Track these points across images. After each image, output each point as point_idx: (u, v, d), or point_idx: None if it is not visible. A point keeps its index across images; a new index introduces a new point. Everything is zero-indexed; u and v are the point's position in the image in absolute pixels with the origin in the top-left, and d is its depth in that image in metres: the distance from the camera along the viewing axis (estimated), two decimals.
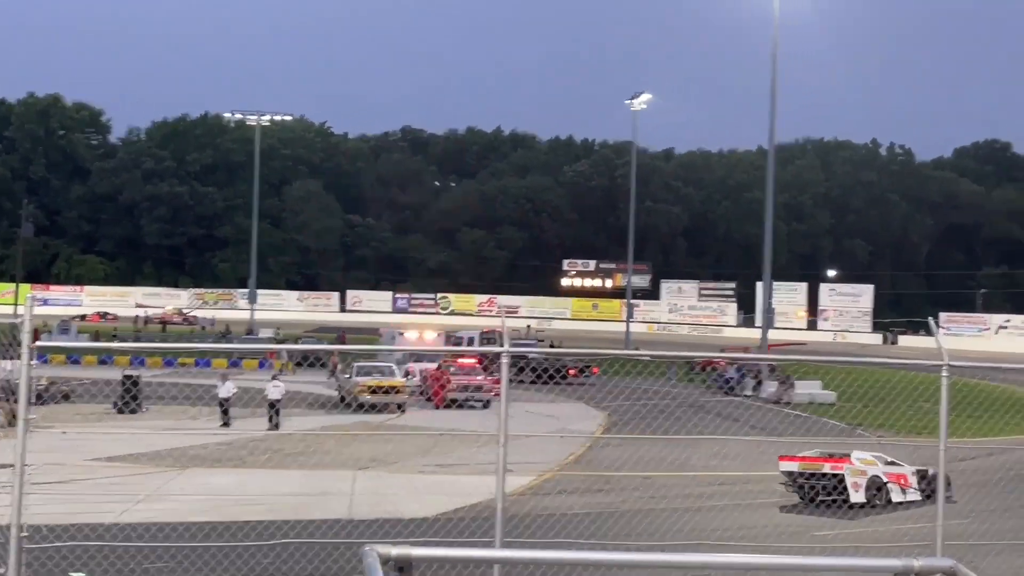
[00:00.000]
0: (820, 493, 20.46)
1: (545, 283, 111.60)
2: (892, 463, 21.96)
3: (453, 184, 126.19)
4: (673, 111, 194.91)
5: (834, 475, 21.02)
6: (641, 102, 77.07)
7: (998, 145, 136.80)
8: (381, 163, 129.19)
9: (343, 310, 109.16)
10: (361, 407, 33.89)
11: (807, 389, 43.02)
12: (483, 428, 26.75)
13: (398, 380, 36.92)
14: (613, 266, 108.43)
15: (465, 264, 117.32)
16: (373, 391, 34.99)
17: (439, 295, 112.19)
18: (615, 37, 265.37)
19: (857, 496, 20.99)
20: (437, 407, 36.99)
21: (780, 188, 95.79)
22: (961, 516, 16.51)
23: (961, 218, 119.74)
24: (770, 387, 44.66)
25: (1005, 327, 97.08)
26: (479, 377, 37.81)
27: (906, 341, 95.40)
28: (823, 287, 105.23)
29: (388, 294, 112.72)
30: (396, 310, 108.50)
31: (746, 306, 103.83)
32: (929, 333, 11.02)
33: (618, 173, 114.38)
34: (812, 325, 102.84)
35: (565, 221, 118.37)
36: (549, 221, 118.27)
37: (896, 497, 21.47)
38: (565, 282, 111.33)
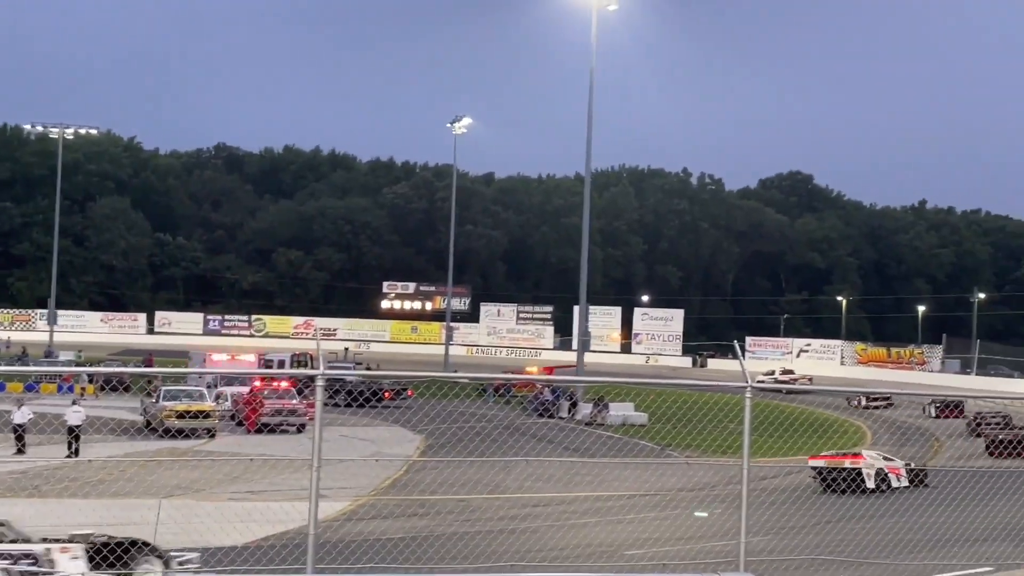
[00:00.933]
0: (842, 483, 24.89)
1: (364, 305, 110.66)
2: (887, 458, 27.70)
3: (269, 204, 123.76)
4: (493, 136, 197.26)
5: (854, 469, 26.25)
6: (462, 126, 77.57)
7: (800, 177, 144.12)
8: (193, 180, 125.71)
9: (151, 332, 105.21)
10: (168, 432, 32.64)
11: (621, 411, 43.93)
12: (296, 453, 26.19)
13: (208, 404, 35.77)
14: (433, 289, 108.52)
15: (281, 285, 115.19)
16: (181, 416, 33.78)
17: (253, 317, 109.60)
18: (437, 61, 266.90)
19: (870, 484, 26.26)
20: (249, 431, 36.03)
21: (596, 214, 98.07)
22: (763, 533, 17.12)
23: (766, 246, 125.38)
24: (585, 409, 45.41)
25: (806, 351, 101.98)
26: (293, 401, 37.05)
27: (714, 364, 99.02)
28: (637, 311, 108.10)
29: (199, 316, 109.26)
30: (207, 332, 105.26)
31: (563, 329, 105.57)
32: (735, 356, 11.35)
33: (438, 196, 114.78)
34: (626, 348, 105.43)
35: (385, 243, 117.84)
36: (369, 243, 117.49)
37: (894, 484, 26.62)
38: (384, 304, 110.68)
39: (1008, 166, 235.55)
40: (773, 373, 76.71)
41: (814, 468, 26.58)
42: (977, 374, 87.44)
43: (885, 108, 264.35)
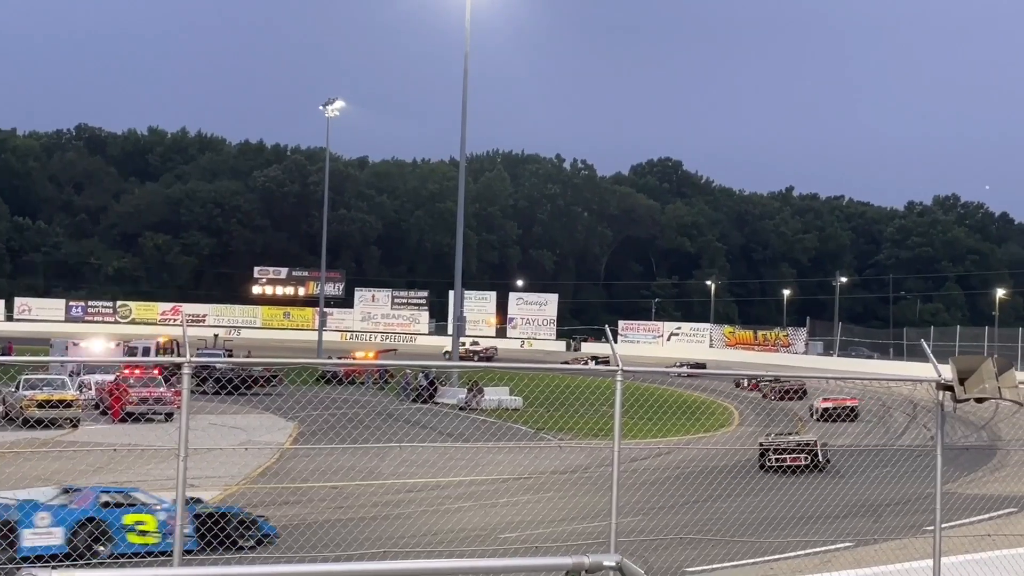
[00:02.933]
0: (841, 418, 35.57)
1: (235, 291, 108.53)
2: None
3: (135, 187, 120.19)
4: (367, 119, 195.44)
5: (852, 407, 38.25)
6: (334, 109, 76.54)
7: (671, 163, 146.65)
8: (54, 162, 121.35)
9: (9, 319, 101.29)
10: (28, 423, 31.45)
11: (496, 395, 44.17)
12: (163, 442, 25.55)
13: (70, 393, 34.65)
14: (306, 274, 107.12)
15: (148, 270, 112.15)
16: (42, 405, 32.62)
17: (118, 303, 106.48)
18: (308, 41, 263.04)
19: (863, 417, 38.25)
20: (114, 420, 35.04)
21: (471, 199, 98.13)
22: (634, 513, 17.41)
23: (637, 231, 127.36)
24: (460, 393, 45.48)
25: (676, 334, 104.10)
26: (160, 389, 36.14)
27: (588, 348, 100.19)
28: (512, 296, 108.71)
29: (61, 302, 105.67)
30: (70, 319, 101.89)
31: (438, 314, 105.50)
32: (608, 340, 11.46)
33: (311, 180, 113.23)
34: (501, 333, 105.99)
35: (256, 227, 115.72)
36: (239, 227, 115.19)
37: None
38: (256, 290, 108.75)
39: (870, 155, 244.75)
40: (465, 344, 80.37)
41: (825, 410, 37.02)
42: (839, 355, 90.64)
43: (754, 97, 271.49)
